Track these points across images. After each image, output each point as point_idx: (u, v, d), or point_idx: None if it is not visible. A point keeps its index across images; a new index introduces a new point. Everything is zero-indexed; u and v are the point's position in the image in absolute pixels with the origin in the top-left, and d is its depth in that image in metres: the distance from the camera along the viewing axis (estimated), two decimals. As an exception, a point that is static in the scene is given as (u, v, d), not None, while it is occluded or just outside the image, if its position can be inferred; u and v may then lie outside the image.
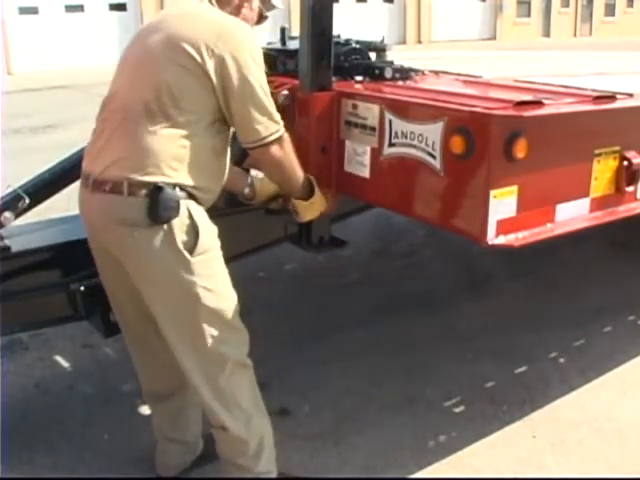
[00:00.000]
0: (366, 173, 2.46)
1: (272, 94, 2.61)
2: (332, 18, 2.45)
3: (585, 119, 2.37)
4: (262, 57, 2.02)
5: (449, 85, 2.98)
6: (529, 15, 25.40)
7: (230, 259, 2.72)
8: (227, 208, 2.51)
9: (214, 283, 2.00)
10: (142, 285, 2.00)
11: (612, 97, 2.50)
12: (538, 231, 2.25)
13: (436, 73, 3.25)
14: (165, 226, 1.90)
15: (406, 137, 2.28)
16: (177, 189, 1.91)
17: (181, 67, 1.92)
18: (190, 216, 1.93)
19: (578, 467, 2.48)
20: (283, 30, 3.00)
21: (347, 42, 2.96)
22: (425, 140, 2.22)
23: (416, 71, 3.03)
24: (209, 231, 2.00)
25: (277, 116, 2.04)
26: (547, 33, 25.96)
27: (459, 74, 3.28)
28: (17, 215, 2.40)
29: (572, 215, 2.36)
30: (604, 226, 2.49)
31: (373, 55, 3.05)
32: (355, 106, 2.46)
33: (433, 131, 2.18)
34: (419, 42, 21.18)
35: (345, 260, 4.06)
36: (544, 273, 4.08)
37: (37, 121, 8.63)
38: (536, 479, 2.44)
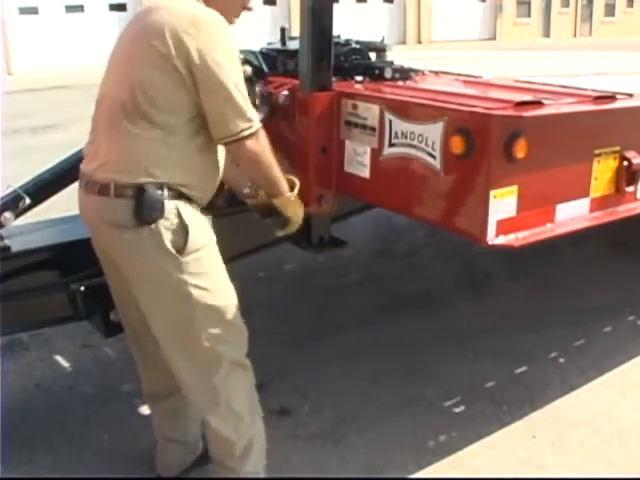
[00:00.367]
0: (366, 173, 2.46)
1: (271, 94, 2.65)
2: (332, 18, 2.45)
3: (585, 119, 2.37)
4: (236, 50, 1.97)
5: (449, 85, 2.98)
6: (529, 15, 25.39)
7: (230, 259, 2.73)
8: (227, 208, 2.51)
9: (209, 281, 1.99)
10: (134, 285, 2.01)
11: (612, 97, 2.51)
12: (538, 231, 2.26)
13: (436, 73, 3.25)
14: (152, 226, 1.89)
15: (406, 137, 2.28)
16: (164, 189, 1.90)
17: (151, 64, 1.88)
18: (179, 215, 1.92)
19: (578, 467, 2.48)
20: (283, 30, 3.00)
21: (347, 42, 2.96)
22: (425, 140, 2.22)
23: (416, 71, 3.03)
24: (200, 229, 1.98)
25: (251, 112, 1.96)
26: (547, 33, 25.95)
27: (459, 74, 3.28)
28: (17, 215, 2.41)
29: (572, 215, 2.36)
30: (604, 226, 2.49)
31: (373, 55, 3.06)
32: (355, 106, 2.46)
33: (433, 131, 2.18)
34: (419, 42, 21.18)
35: (345, 260, 4.06)
36: (544, 273, 4.08)
37: (37, 121, 8.63)
38: (536, 479, 2.44)
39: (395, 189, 2.41)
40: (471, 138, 2.07)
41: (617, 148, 2.43)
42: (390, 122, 2.33)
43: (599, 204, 2.44)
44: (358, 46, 2.95)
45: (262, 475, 2.20)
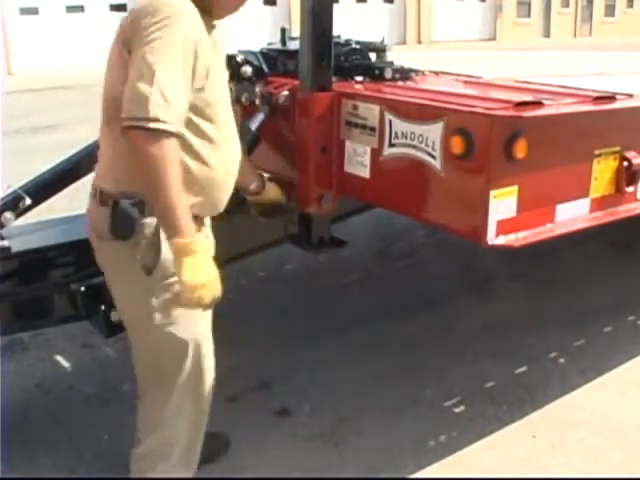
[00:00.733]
0: (366, 173, 2.46)
1: (271, 94, 2.64)
2: (332, 19, 2.45)
3: (585, 119, 2.37)
4: (186, 41, 1.72)
5: (449, 85, 2.98)
6: (529, 15, 25.40)
7: (230, 259, 2.74)
8: (227, 208, 2.50)
9: (174, 311, 1.89)
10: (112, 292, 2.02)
11: (612, 97, 2.51)
12: (538, 231, 2.26)
13: (436, 73, 3.25)
14: (125, 242, 1.84)
15: (406, 137, 2.28)
16: (143, 204, 1.80)
17: (118, 65, 1.79)
18: (156, 233, 1.78)
19: (578, 467, 2.48)
20: (283, 31, 3.00)
21: (347, 42, 2.96)
22: (425, 140, 2.22)
23: (416, 71, 3.03)
24: None
25: (164, 109, 1.65)
26: (547, 33, 25.96)
27: (459, 74, 3.28)
28: (18, 215, 2.41)
29: (572, 215, 2.36)
30: (604, 226, 2.49)
31: (373, 55, 3.06)
32: (355, 106, 2.46)
33: (433, 131, 2.18)
34: (419, 42, 21.18)
35: (345, 260, 4.06)
36: (544, 273, 4.09)
37: (37, 121, 8.64)
38: (536, 479, 2.44)
39: (395, 189, 2.41)
40: (471, 138, 2.07)
41: (617, 148, 2.43)
42: (390, 122, 2.33)
43: (599, 204, 2.44)
44: (358, 46, 2.94)
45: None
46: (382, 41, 3.11)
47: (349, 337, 3.32)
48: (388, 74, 2.84)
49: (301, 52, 2.51)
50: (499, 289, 3.92)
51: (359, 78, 2.83)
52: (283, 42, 3.00)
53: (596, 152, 2.37)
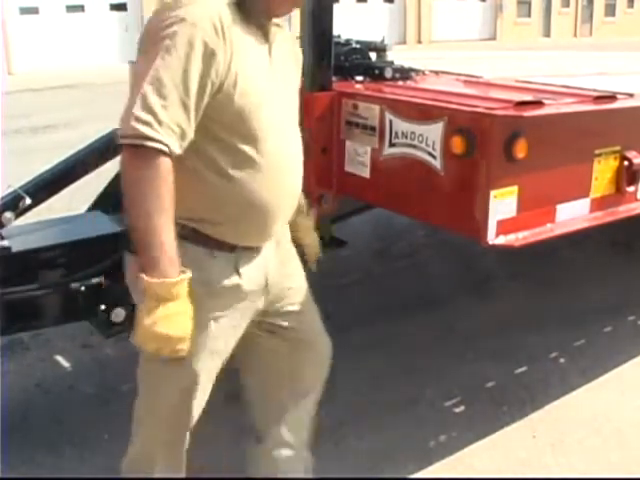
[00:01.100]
0: (367, 173, 2.46)
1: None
2: (332, 18, 2.45)
3: (585, 119, 2.37)
4: (190, 51, 1.48)
5: (449, 85, 2.98)
6: (529, 15, 25.40)
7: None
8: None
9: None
10: None
11: (612, 97, 2.51)
12: (538, 231, 2.26)
13: (436, 73, 3.25)
14: None
15: (406, 137, 2.28)
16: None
17: None
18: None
19: (578, 467, 2.48)
20: (283, 30, 2.99)
21: (347, 42, 2.97)
22: (425, 140, 2.22)
23: (416, 71, 3.03)
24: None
25: (151, 122, 1.44)
26: (547, 33, 25.96)
27: (459, 74, 3.28)
28: (17, 215, 2.41)
29: (572, 215, 2.36)
30: (604, 226, 2.49)
31: (373, 55, 3.06)
32: (355, 106, 2.46)
33: (433, 131, 2.18)
34: (419, 42, 21.18)
35: (345, 260, 4.06)
36: (544, 273, 4.08)
37: (37, 121, 8.63)
38: (536, 479, 2.44)
39: (395, 189, 2.41)
40: (471, 138, 2.07)
41: (617, 148, 2.43)
42: (390, 122, 2.33)
43: (599, 204, 2.44)
44: (358, 46, 2.95)
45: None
46: (382, 41, 3.11)
47: (349, 337, 3.31)
48: (388, 74, 2.84)
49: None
50: (499, 289, 3.91)
51: (359, 78, 2.84)
52: (283, 42, 2.99)
53: (596, 152, 2.37)
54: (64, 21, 15.40)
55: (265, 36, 1.68)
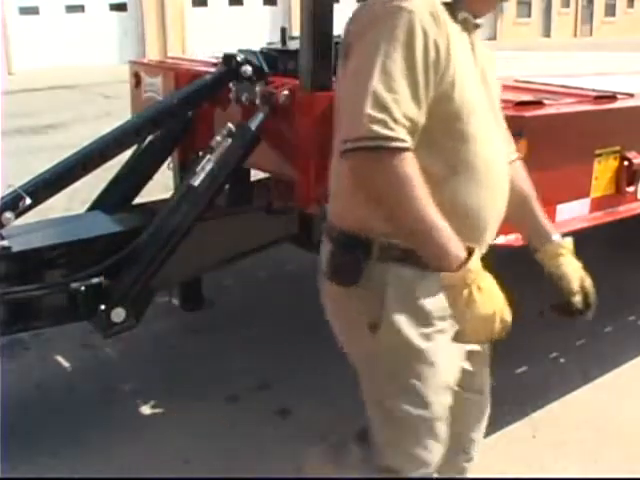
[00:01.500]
0: (366, 173, 2.46)
1: (272, 94, 2.64)
2: (332, 18, 2.45)
3: (585, 119, 2.37)
4: (406, 36, 1.39)
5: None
6: (529, 15, 25.43)
7: (230, 259, 2.73)
8: (227, 208, 2.51)
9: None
10: None
11: (612, 97, 2.51)
12: (538, 231, 2.25)
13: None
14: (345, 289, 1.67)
15: (406, 137, 2.28)
16: (374, 244, 1.52)
17: (342, 78, 1.57)
18: (383, 282, 1.56)
19: (578, 467, 2.48)
20: (283, 30, 3.00)
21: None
22: (425, 140, 2.21)
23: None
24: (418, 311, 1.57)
25: (386, 121, 1.34)
26: (547, 33, 25.99)
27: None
28: (18, 215, 2.41)
29: (572, 215, 2.36)
30: (604, 226, 2.49)
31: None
32: (355, 106, 2.46)
33: (433, 131, 2.18)
34: (419, 42, 21.18)
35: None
36: (544, 273, 4.07)
37: (37, 121, 8.64)
38: (536, 479, 2.44)
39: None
40: (471, 138, 2.06)
41: (618, 148, 2.43)
42: (390, 122, 2.33)
43: (599, 204, 2.44)
44: (358, 46, 2.94)
45: None
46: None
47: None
48: (388, 74, 2.83)
49: (301, 52, 2.51)
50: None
51: (359, 78, 2.83)
52: (283, 42, 3.00)
53: (597, 152, 2.37)
54: (64, 21, 15.42)
55: (469, 35, 1.58)
